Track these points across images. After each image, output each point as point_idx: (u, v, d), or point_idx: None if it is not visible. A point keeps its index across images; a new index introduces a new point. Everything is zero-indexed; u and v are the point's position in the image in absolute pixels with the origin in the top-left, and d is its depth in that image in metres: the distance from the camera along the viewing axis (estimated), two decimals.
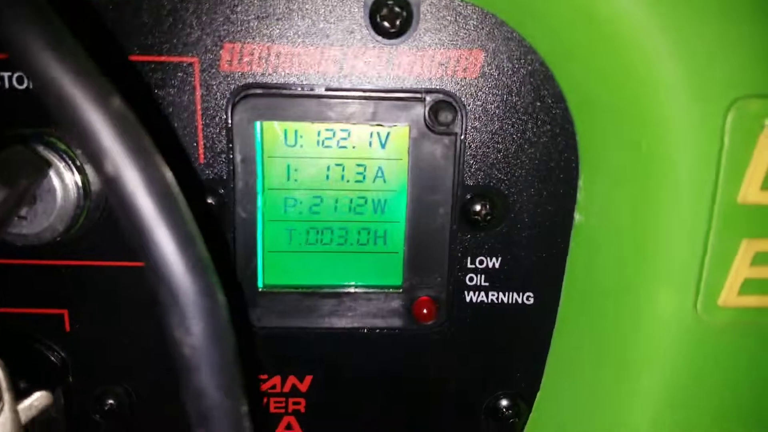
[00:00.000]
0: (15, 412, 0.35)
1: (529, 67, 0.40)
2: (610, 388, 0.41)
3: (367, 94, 0.40)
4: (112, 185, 0.24)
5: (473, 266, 0.43)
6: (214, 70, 0.39)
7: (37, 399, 0.37)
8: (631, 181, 0.38)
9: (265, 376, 0.45)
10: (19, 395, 0.36)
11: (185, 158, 0.40)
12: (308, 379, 0.45)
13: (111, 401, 0.45)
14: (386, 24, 0.38)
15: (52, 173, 0.37)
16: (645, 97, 0.35)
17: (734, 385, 0.38)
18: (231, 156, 0.41)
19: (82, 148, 0.24)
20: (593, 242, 0.41)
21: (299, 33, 0.39)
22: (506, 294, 0.44)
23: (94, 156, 0.24)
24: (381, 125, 0.41)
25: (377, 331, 0.45)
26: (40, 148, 0.38)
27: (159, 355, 0.44)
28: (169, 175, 0.25)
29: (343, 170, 0.42)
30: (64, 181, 0.38)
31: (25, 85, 0.40)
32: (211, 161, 0.41)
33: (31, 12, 0.23)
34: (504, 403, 0.46)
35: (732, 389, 0.38)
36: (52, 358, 0.44)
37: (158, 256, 0.24)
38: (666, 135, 0.35)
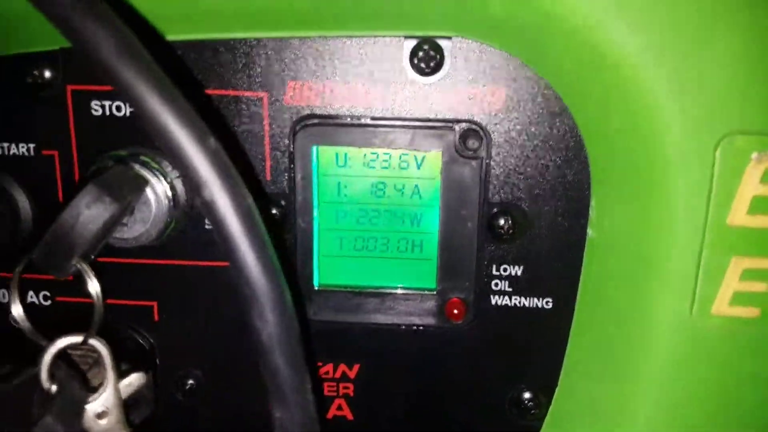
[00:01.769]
0: (117, 389, 0.43)
1: (547, 102, 0.45)
2: (617, 385, 0.46)
3: (406, 123, 0.46)
4: (208, 207, 0.31)
5: (498, 273, 0.48)
6: (279, 103, 0.46)
7: (135, 378, 0.43)
8: (636, 203, 0.42)
9: (319, 364, 0.51)
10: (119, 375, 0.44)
11: (255, 175, 0.47)
12: (356, 367, 0.51)
13: (191, 381, 0.52)
14: (423, 65, 0.44)
15: (147, 188, 0.43)
16: (646, 132, 0.40)
17: (726, 386, 0.42)
18: (292, 174, 0.47)
19: (185, 176, 0.32)
20: (604, 255, 0.46)
21: (350, 72, 0.45)
22: (527, 298, 0.49)
23: (195, 184, 0.31)
24: (417, 150, 0.47)
25: (414, 327, 0.50)
26: (137, 167, 0.43)
27: (231, 342, 0.51)
28: (251, 201, 0.32)
29: (384, 188, 0.48)
30: (158, 194, 0.43)
31: (122, 112, 0.47)
32: (275, 178, 0.48)
33: (143, 65, 0.30)
34: (526, 395, 0.50)
35: (724, 391, 0.43)
36: (143, 343, 0.51)
37: (242, 264, 0.31)
38: (665, 164, 0.40)
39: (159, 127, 0.31)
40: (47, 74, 0.47)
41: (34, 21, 0.32)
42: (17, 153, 0.48)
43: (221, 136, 0.32)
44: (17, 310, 0.39)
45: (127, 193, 0.41)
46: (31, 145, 0.48)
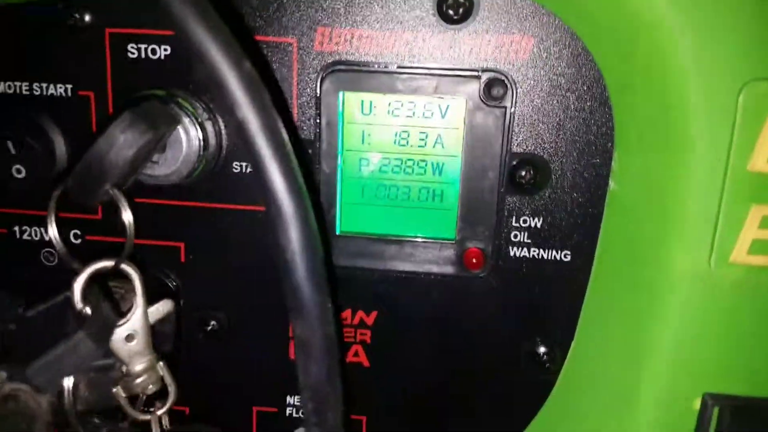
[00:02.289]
0: (145, 314, 0.45)
1: (573, 52, 0.45)
2: (635, 338, 0.46)
3: (432, 71, 0.46)
4: (240, 127, 0.33)
5: (517, 224, 0.49)
6: (308, 49, 0.47)
7: (163, 305, 0.45)
8: (658, 153, 0.43)
9: None
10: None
11: (283, 120, 0.48)
12: (374, 313, 0.52)
13: (213, 323, 0.53)
14: (451, 12, 0.45)
15: (179, 127, 0.45)
16: (670, 81, 0.40)
17: (743, 335, 0.42)
18: (318, 120, 0.49)
19: (222, 98, 0.33)
20: (625, 207, 0.46)
21: (378, 19, 0.46)
22: (546, 251, 0.49)
23: (229, 104, 0.32)
24: (442, 98, 0.48)
25: (432, 275, 0.51)
26: (171, 106, 0.45)
27: (255, 287, 0.52)
28: (281, 123, 0.33)
29: (408, 136, 0.49)
30: (189, 134, 0.45)
31: (157, 55, 0.48)
32: (302, 125, 0.49)
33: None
34: (541, 348, 0.51)
35: (742, 339, 0.43)
36: (168, 284, 0.53)
37: (270, 182, 0.32)
38: (687, 111, 0.40)
39: (201, 49, 0.32)
40: (87, 18, 0.48)
41: None
42: (54, 93, 0.50)
43: None
44: (53, 231, 0.40)
45: (160, 124, 0.42)
46: (68, 86, 0.50)
